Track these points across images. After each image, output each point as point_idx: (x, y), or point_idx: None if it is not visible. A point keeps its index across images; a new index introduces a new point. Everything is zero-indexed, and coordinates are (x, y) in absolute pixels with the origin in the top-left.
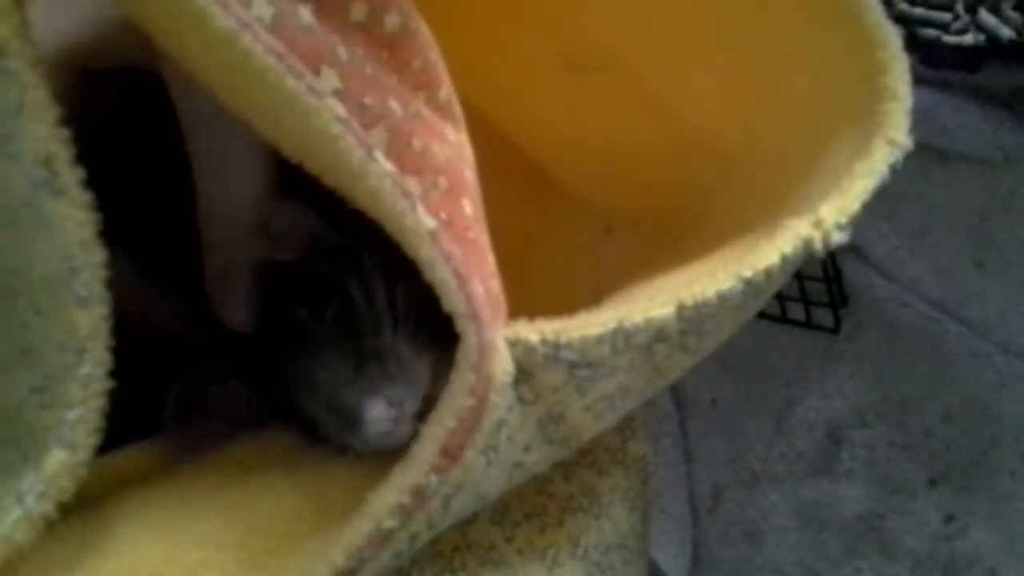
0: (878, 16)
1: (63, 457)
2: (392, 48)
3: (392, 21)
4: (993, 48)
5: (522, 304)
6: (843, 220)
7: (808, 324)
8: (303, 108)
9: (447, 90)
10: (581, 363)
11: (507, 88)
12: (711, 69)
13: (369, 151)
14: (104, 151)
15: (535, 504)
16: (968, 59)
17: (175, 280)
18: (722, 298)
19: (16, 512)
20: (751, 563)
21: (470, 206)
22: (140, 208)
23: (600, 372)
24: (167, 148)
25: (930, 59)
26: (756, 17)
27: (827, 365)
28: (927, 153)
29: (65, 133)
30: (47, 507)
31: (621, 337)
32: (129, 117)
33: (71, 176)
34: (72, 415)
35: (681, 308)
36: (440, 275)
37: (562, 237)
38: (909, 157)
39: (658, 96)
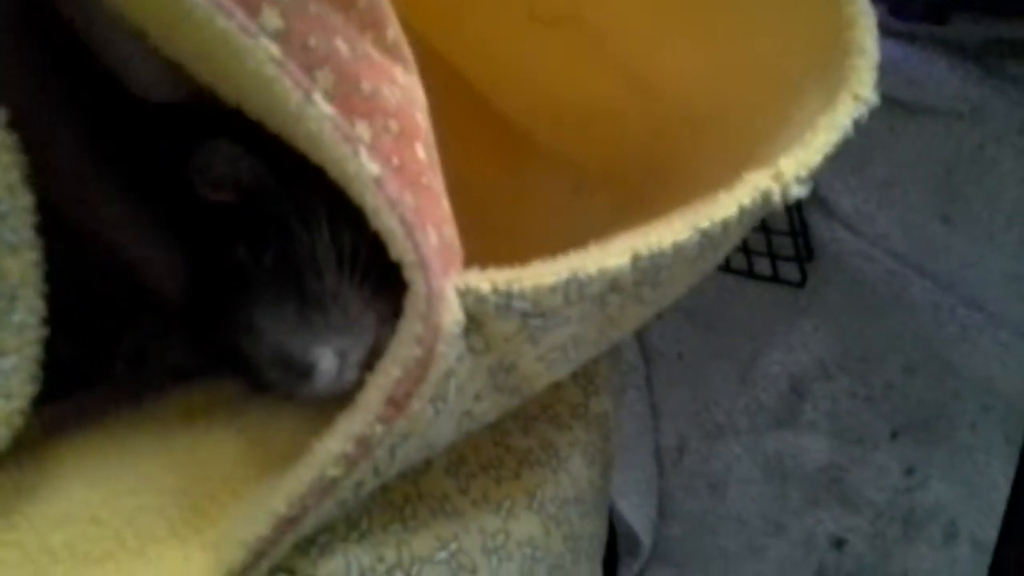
0: None
1: (2, 405)
2: None
3: None
4: None
5: (489, 262)
6: (803, 173)
7: (774, 278)
8: (235, 48)
9: (395, 30)
10: (533, 312)
11: (477, 41)
12: (675, 28)
13: (307, 94)
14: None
15: (492, 456)
16: (937, 10)
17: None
18: (678, 248)
19: None
20: (715, 513)
21: (423, 150)
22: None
23: (553, 322)
24: None
25: (899, 10)
26: None
27: (792, 319)
28: (894, 106)
29: None
30: None
31: (575, 287)
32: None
33: None
34: (6, 363)
35: (636, 258)
36: (386, 223)
37: (534, 195)
38: (876, 111)
39: (622, 54)
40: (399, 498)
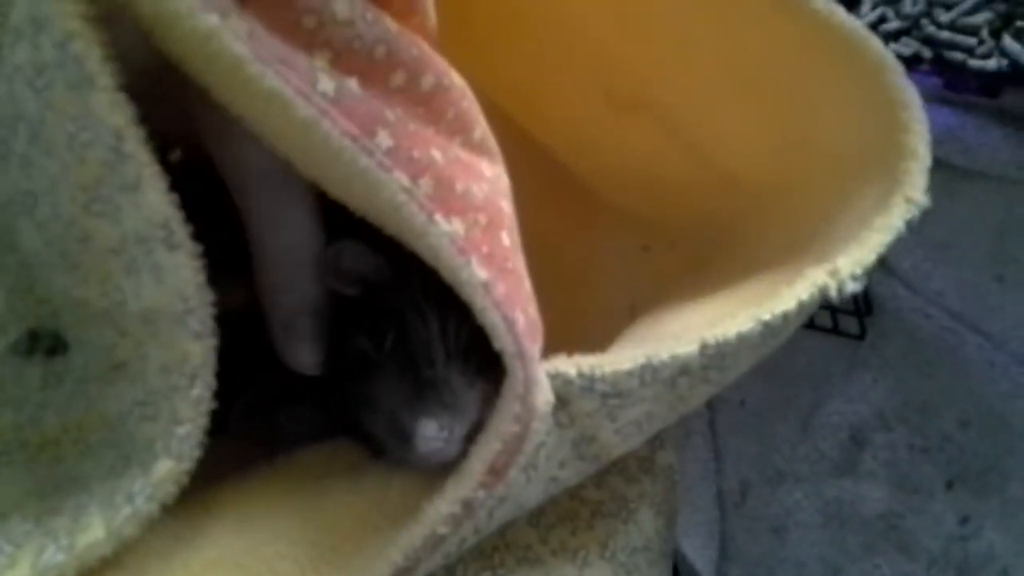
0: (900, 77)
1: (171, 466)
2: (428, 104)
3: (427, 81)
4: (1015, 74)
5: (565, 311)
6: (858, 271)
7: (835, 331)
8: (372, 181)
9: (481, 130)
10: (612, 393)
11: (556, 117)
12: (741, 116)
13: (431, 215)
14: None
15: (568, 508)
16: (990, 84)
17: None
18: (741, 338)
19: (127, 510)
20: (775, 557)
21: (508, 237)
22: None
23: (629, 401)
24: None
25: (954, 84)
26: (784, 70)
27: (852, 370)
28: (951, 171)
29: (176, 198)
30: (153, 507)
31: (649, 372)
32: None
33: (184, 232)
34: (181, 430)
35: (704, 347)
36: (492, 320)
37: (603, 251)
38: (934, 174)
39: (691, 136)
40: (488, 548)
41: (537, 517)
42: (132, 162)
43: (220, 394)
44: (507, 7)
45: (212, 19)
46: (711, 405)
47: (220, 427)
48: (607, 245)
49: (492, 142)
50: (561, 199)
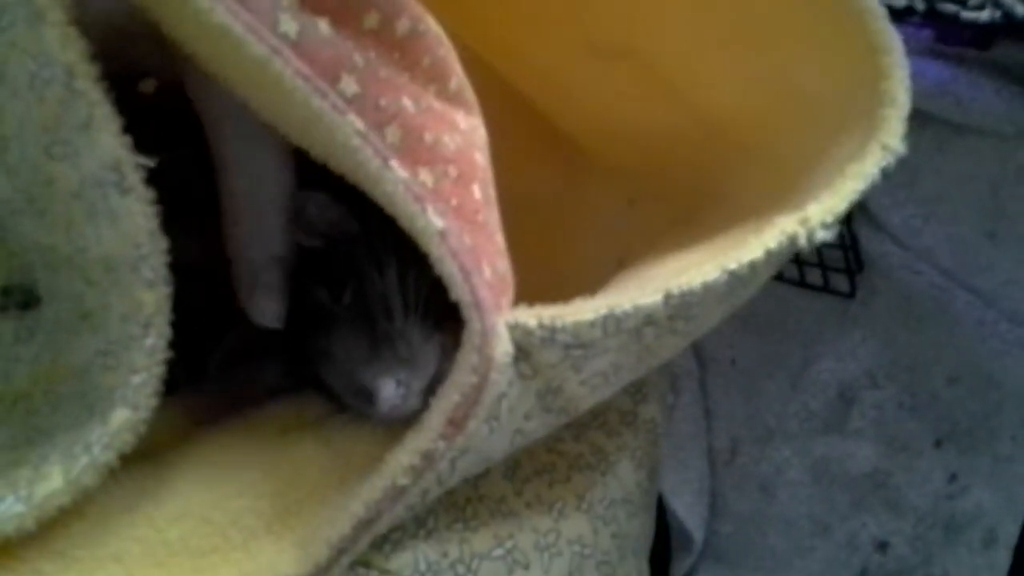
0: (883, 22)
1: (127, 415)
2: (403, 49)
3: (403, 26)
4: (1008, 25)
5: (552, 265)
6: (829, 219)
7: (825, 288)
8: (327, 123)
9: (457, 79)
10: (575, 344)
11: (540, 68)
12: (723, 62)
13: (385, 160)
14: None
15: (545, 461)
16: (982, 36)
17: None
18: (707, 287)
19: (84, 459)
20: (764, 514)
21: (480, 190)
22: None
23: (593, 351)
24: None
25: (946, 36)
26: (765, 15)
27: (842, 328)
28: (943, 126)
29: (128, 140)
30: (111, 456)
31: (612, 321)
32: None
33: (135, 176)
34: (136, 379)
35: (668, 296)
36: (448, 270)
37: (590, 205)
38: (926, 129)
39: (675, 84)
40: (461, 500)
41: (512, 470)
42: (84, 100)
43: (195, 345)
44: None
45: None
46: (702, 363)
47: (197, 378)
48: (594, 198)
49: (469, 93)
50: (546, 153)
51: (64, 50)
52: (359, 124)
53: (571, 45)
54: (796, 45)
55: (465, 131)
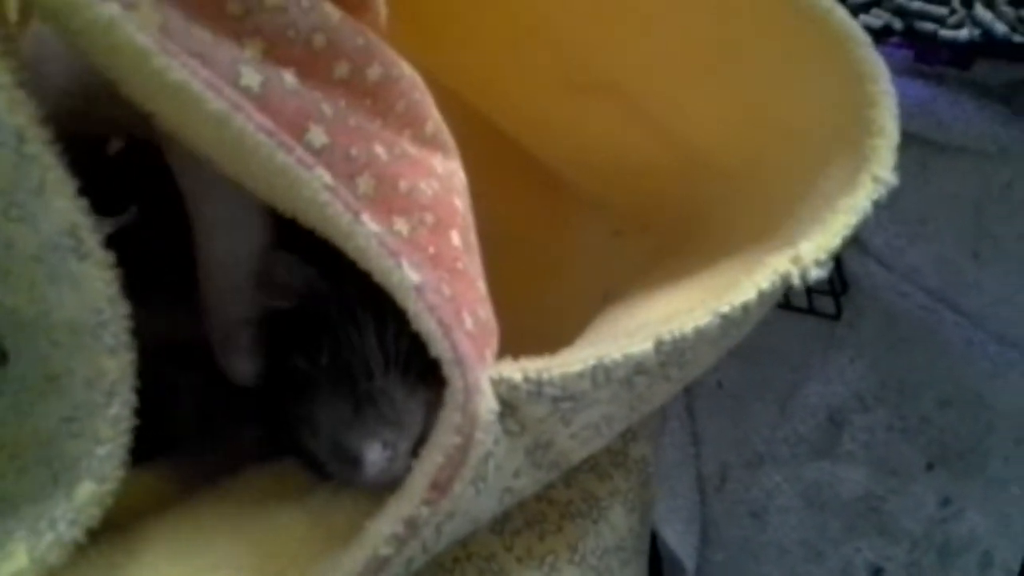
0: (867, 49)
1: (93, 488)
2: (375, 96)
3: (374, 72)
4: (987, 44)
5: (536, 302)
6: (822, 256)
7: (810, 311)
8: (293, 178)
9: (433, 123)
10: (563, 397)
11: (519, 105)
12: (706, 94)
13: (356, 214)
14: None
15: (535, 511)
16: (962, 56)
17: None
18: (699, 333)
19: (49, 536)
20: (756, 541)
21: (459, 236)
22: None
23: (583, 404)
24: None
25: (925, 56)
26: (747, 46)
27: (829, 351)
28: (925, 145)
29: (84, 203)
30: (77, 533)
31: (601, 372)
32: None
33: (93, 240)
34: (101, 450)
35: (659, 344)
36: (426, 326)
37: (573, 237)
38: (908, 149)
39: (657, 117)
40: (448, 560)
41: (502, 523)
42: (35, 164)
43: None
44: (468, 3)
45: (112, 8)
46: (688, 388)
47: (168, 447)
48: (577, 232)
49: (446, 136)
50: (528, 188)
51: (12, 114)
52: (327, 178)
53: (550, 81)
54: (777, 75)
55: (443, 175)
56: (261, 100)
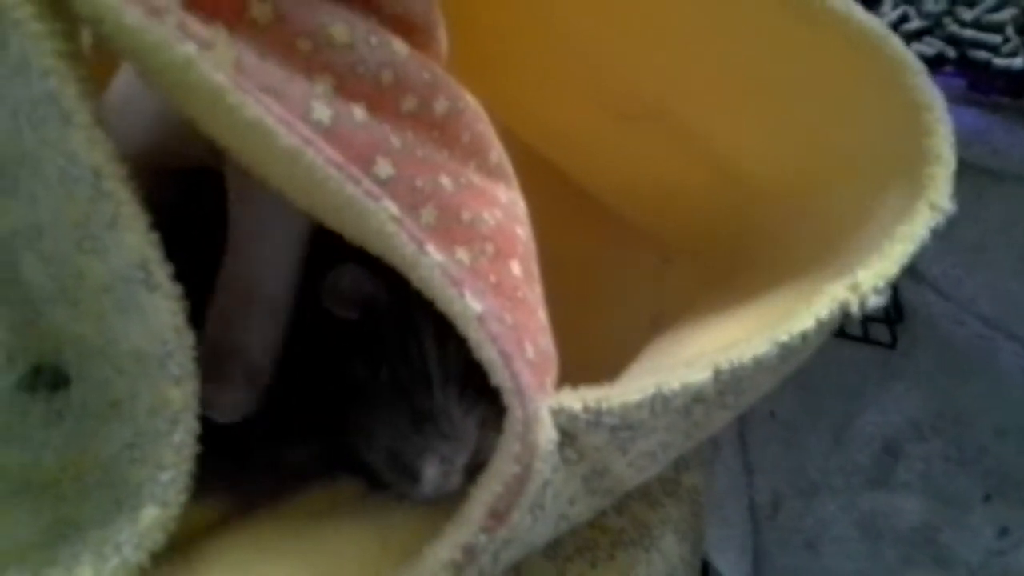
0: (922, 77)
1: (156, 513)
2: (442, 128)
3: (441, 105)
4: None
5: (585, 329)
6: (880, 284)
7: (865, 339)
8: (360, 209)
9: (497, 152)
10: (622, 426)
11: (561, 131)
12: (757, 123)
13: (420, 245)
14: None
15: (587, 538)
16: (1015, 85)
17: None
18: (758, 362)
19: (115, 560)
20: (810, 571)
21: (519, 266)
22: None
23: (641, 432)
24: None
25: (978, 85)
26: (800, 73)
27: (884, 380)
28: (981, 174)
29: (155, 237)
30: (141, 556)
31: (659, 401)
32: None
33: (163, 273)
34: (165, 476)
35: (718, 372)
36: (487, 355)
37: (621, 265)
38: (963, 178)
39: (707, 144)
40: None
41: (554, 549)
42: (110, 200)
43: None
44: (510, 24)
45: (189, 49)
46: (741, 417)
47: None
48: (624, 258)
49: (508, 165)
50: (574, 216)
51: (91, 152)
52: (393, 209)
53: (597, 109)
54: (831, 103)
55: (505, 205)
56: (331, 134)
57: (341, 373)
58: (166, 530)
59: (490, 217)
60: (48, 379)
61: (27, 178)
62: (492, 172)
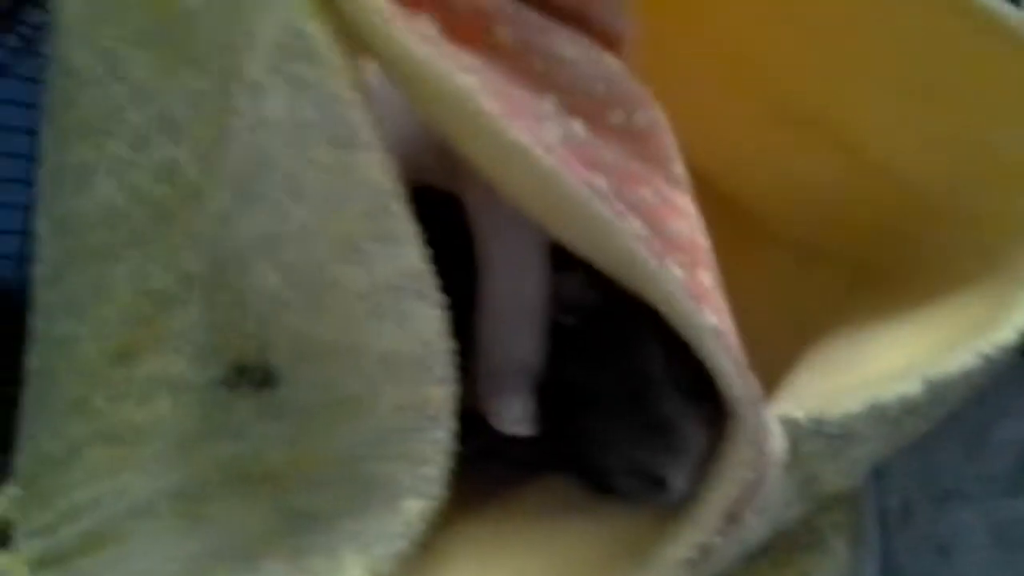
0: None
1: (420, 505)
2: (643, 140)
3: (640, 117)
4: None
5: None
6: None
7: None
8: (608, 229)
9: (679, 163)
10: (839, 435)
11: (719, 140)
12: (918, 124)
13: (661, 260)
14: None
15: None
16: None
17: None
18: (964, 374)
19: (380, 549)
20: None
21: (707, 275)
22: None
23: (855, 441)
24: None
25: None
26: (961, 77)
27: (1020, 387)
28: None
29: (426, 251)
30: (406, 545)
31: (877, 412)
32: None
33: (431, 285)
34: (427, 470)
35: (930, 384)
36: (723, 366)
37: (759, 269)
38: None
39: (861, 146)
40: None
41: None
42: (394, 219)
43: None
44: (670, 29)
45: (471, 81)
46: None
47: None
48: (761, 262)
49: (686, 175)
50: (711, 219)
51: (380, 175)
52: (639, 228)
53: (753, 115)
54: (991, 106)
55: (690, 215)
56: (560, 152)
57: (558, 377)
58: (428, 521)
59: (686, 227)
60: (256, 377)
61: (274, 191)
62: (678, 183)
